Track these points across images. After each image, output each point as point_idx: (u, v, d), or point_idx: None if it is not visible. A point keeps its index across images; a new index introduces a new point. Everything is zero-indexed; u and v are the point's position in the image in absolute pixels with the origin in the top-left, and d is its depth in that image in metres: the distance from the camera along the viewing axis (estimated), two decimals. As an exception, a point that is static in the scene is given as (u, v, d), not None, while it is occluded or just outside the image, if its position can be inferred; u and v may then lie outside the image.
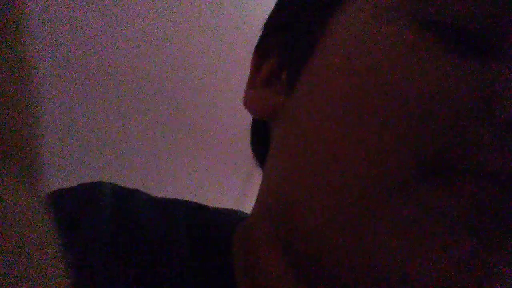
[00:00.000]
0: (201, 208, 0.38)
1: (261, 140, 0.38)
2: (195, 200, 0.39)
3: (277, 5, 0.39)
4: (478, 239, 0.25)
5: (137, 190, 0.37)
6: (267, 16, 0.38)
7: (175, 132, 1.21)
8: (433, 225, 0.25)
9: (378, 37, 0.28)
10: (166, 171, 1.19)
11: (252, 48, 0.37)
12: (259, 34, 0.38)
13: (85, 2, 1.05)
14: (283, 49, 0.35)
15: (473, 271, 0.25)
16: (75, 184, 0.36)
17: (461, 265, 0.25)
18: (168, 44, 1.18)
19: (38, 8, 0.98)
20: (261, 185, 0.37)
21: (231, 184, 1.29)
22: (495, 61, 0.26)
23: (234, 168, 1.29)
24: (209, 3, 1.20)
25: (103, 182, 0.35)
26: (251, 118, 0.40)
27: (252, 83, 0.37)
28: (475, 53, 0.27)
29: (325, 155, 0.28)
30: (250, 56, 0.37)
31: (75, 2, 1.04)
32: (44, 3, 0.98)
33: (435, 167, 0.25)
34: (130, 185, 0.38)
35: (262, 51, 0.37)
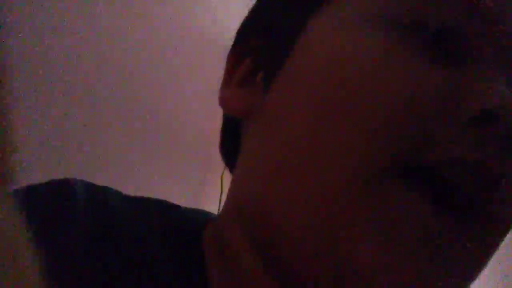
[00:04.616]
0: (172, 207, 0.38)
1: (231, 142, 0.39)
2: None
3: (253, 8, 0.39)
4: (441, 245, 0.26)
5: (107, 187, 0.36)
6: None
7: (131, 131, 1.19)
8: (402, 230, 0.26)
9: (355, 43, 0.29)
10: (122, 169, 1.17)
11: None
12: (235, 35, 0.38)
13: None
14: (259, 51, 0.36)
15: (436, 276, 0.26)
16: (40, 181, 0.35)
17: (427, 270, 0.26)
18: (126, 45, 1.17)
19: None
20: (232, 185, 0.37)
21: (187, 182, 1.29)
22: (463, 66, 0.29)
23: (190, 167, 1.29)
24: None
25: (73, 178, 0.35)
26: (220, 119, 0.40)
27: (227, 83, 0.37)
28: (445, 58, 0.29)
29: (299, 153, 0.29)
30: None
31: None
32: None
33: (405, 166, 0.27)
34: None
35: (238, 52, 0.37)
